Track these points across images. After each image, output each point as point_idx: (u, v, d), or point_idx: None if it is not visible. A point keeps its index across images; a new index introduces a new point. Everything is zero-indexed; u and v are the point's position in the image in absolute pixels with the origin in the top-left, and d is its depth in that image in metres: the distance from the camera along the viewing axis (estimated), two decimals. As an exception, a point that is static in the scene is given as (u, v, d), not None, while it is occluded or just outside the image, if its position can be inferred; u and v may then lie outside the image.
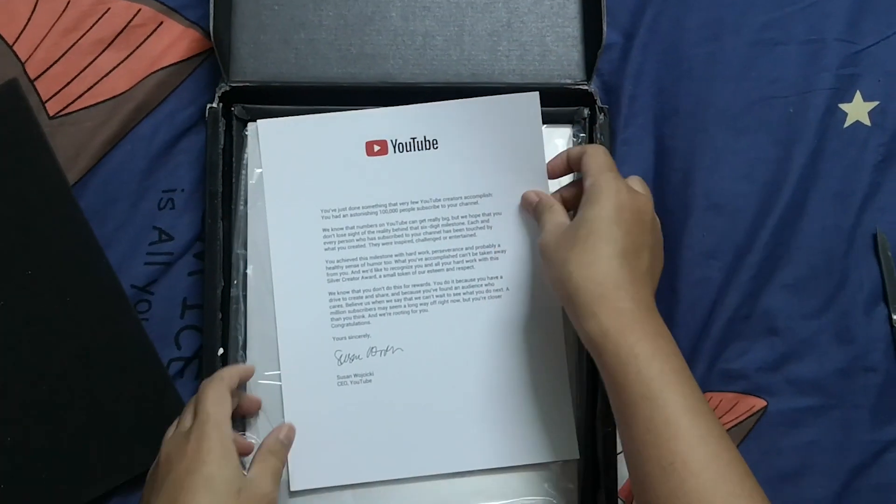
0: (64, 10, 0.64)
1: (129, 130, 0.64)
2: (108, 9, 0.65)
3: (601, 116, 0.62)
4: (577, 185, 0.57)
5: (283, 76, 0.63)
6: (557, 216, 0.56)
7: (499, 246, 0.60)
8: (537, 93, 0.59)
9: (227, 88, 0.62)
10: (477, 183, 0.60)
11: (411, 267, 0.60)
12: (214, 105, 0.61)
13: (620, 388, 0.49)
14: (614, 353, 0.49)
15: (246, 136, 0.62)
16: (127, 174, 0.64)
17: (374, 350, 0.60)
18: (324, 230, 0.60)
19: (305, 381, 0.59)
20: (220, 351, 0.60)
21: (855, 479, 0.62)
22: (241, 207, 0.61)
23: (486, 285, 0.60)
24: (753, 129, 0.65)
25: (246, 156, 0.62)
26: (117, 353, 0.61)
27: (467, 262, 0.60)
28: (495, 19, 0.65)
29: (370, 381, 0.59)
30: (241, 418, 0.60)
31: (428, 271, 0.60)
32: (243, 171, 0.62)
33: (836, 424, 0.63)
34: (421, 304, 0.60)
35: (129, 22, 0.65)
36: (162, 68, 0.65)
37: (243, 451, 0.55)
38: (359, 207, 0.60)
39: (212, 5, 0.59)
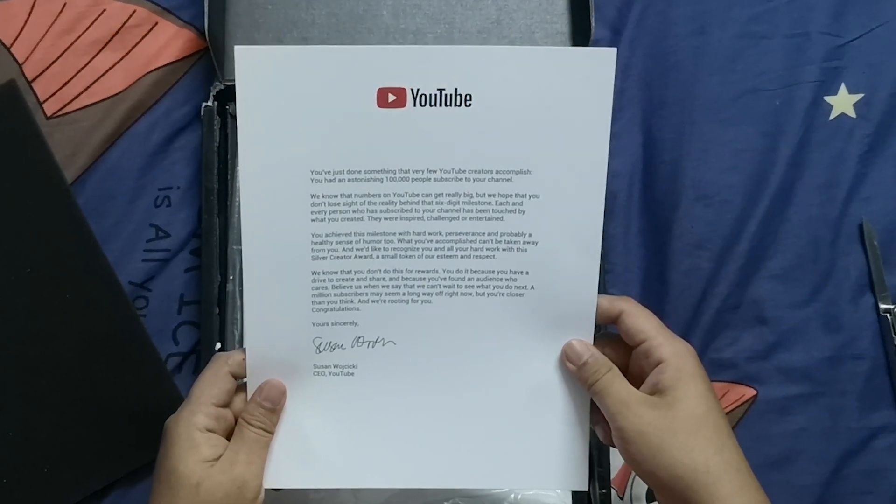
0: (60, 12, 0.65)
1: (126, 129, 0.65)
2: (104, 10, 0.65)
3: (590, 111, 0.63)
4: (611, 339, 0.51)
5: (277, 74, 0.64)
6: (624, 385, 0.48)
7: (530, 235, 0.49)
8: (615, 49, 0.48)
9: (222, 87, 0.62)
10: (515, 156, 0.48)
11: (417, 249, 0.50)
12: (209, 104, 0.62)
13: None
14: None
15: (241, 133, 0.63)
16: (124, 172, 0.65)
17: (360, 340, 0.51)
18: (312, 196, 0.49)
19: (275, 367, 0.51)
20: (218, 346, 0.60)
21: (844, 466, 0.63)
22: (237, 204, 0.62)
23: (506, 280, 0.50)
24: (740, 121, 0.66)
25: (241, 153, 0.63)
26: (116, 348, 0.62)
27: (488, 249, 0.50)
28: (485, 16, 0.65)
29: (352, 373, 0.51)
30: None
31: (437, 256, 0.50)
32: (238, 168, 0.63)
33: (825, 411, 0.64)
34: (424, 294, 0.50)
35: (125, 23, 0.66)
36: (157, 68, 0.65)
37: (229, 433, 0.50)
38: (360, 171, 0.49)
39: (206, 5, 0.60)
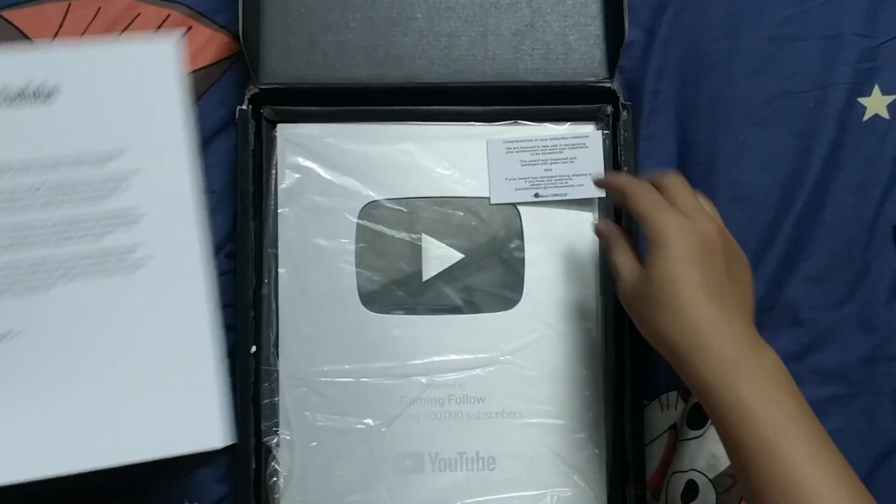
0: (95, 17, 0.65)
1: (161, 133, 0.65)
2: (139, 14, 0.66)
3: (624, 113, 0.63)
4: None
5: (311, 78, 0.64)
6: (629, 259, 0.53)
7: (140, 208, 0.53)
8: (175, 41, 0.54)
9: (257, 91, 0.63)
10: (111, 138, 0.53)
11: (28, 240, 0.51)
12: (244, 107, 0.62)
13: (734, 441, 0.46)
14: (721, 405, 0.47)
15: (275, 136, 0.63)
16: (159, 176, 0.65)
17: None
18: None
19: None
20: (253, 349, 0.61)
21: (880, 467, 0.63)
22: (272, 207, 0.62)
23: (121, 256, 0.53)
24: (774, 122, 0.65)
25: (275, 157, 0.63)
26: (152, 351, 0.62)
27: (101, 229, 0.52)
28: (519, 19, 0.66)
29: None
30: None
31: (49, 243, 0.51)
32: (273, 172, 0.63)
33: (861, 413, 0.63)
34: (43, 283, 0.52)
35: (159, 27, 0.66)
36: (192, 72, 0.65)
37: None
38: None
39: (240, 9, 0.60)
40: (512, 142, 0.63)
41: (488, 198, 0.63)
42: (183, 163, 0.54)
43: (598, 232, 0.59)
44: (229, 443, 0.54)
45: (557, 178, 0.63)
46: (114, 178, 0.53)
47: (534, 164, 0.63)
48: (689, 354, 0.48)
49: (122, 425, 0.52)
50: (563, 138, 0.63)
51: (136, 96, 0.54)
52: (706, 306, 0.48)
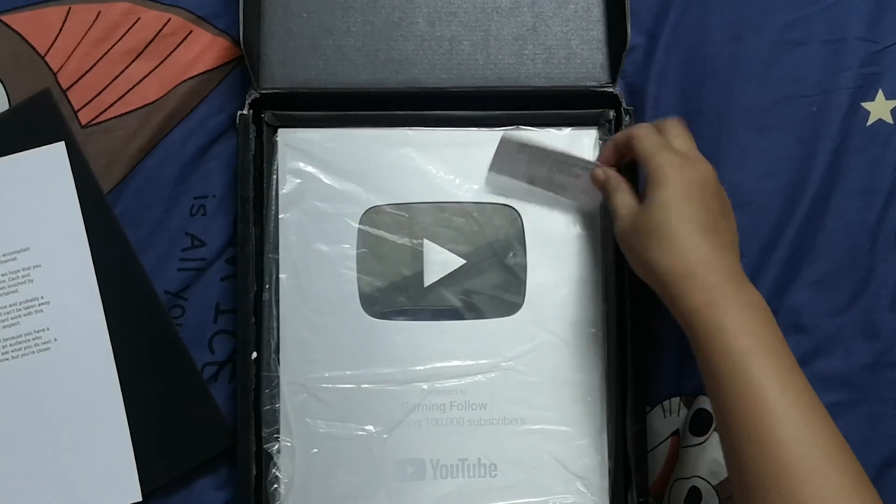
0: (95, 21, 0.65)
1: (161, 138, 0.65)
2: (139, 19, 0.65)
3: (626, 118, 0.63)
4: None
5: (312, 82, 0.64)
6: (627, 198, 0.56)
7: (42, 298, 0.61)
8: (62, 143, 0.62)
9: (258, 95, 0.62)
10: (13, 238, 0.61)
11: None
12: (245, 112, 0.62)
13: (710, 362, 0.50)
14: (702, 328, 0.50)
15: (276, 141, 0.63)
16: (159, 181, 0.65)
17: None
18: None
19: None
20: (254, 355, 0.60)
21: (884, 473, 0.63)
22: (273, 212, 0.62)
23: (33, 339, 0.60)
24: (777, 127, 0.65)
25: (276, 162, 0.63)
26: (152, 357, 0.62)
27: (12, 319, 0.61)
28: (521, 23, 0.65)
29: None
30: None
31: None
32: (274, 177, 0.63)
33: (864, 419, 0.63)
34: None
35: (159, 31, 0.66)
36: (192, 76, 0.65)
37: None
38: None
39: (241, 14, 0.60)
40: (522, 145, 0.62)
41: (490, 203, 0.63)
42: (80, 254, 0.61)
43: (595, 178, 0.60)
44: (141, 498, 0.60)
45: (562, 186, 0.62)
46: (22, 271, 0.61)
47: (538, 171, 0.62)
48: (678, 281, 0.51)
49: (48, 487, 0.59)
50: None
51: (33, 200, 0.62)
52: (699, 238, 0.52)
